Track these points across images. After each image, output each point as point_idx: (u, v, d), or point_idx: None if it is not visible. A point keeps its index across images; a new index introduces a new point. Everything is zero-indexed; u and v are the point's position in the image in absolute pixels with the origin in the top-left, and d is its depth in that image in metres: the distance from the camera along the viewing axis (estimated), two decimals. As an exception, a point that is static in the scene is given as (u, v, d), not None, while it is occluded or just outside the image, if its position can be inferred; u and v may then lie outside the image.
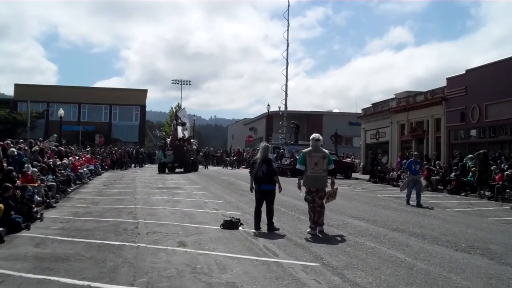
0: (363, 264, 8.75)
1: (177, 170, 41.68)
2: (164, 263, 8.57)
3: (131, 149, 53.73)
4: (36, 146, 23.95)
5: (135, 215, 14.64)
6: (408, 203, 19.52)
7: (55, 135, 39.17)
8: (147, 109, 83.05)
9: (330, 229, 12.21)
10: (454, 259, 9.39)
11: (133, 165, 50.62)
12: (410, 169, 20.21)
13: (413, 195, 19.59)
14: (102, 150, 47.42)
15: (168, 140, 46.40)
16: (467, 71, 32.65)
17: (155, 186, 25.64)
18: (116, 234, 11.47)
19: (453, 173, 27.21)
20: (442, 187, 27.63)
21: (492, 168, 24.40)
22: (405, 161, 29.22)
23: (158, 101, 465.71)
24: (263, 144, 13.18)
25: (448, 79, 34.88)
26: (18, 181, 14.95)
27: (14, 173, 15.09)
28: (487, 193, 23.53)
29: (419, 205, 18.99)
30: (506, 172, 22.46)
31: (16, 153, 19.05)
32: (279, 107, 56.52)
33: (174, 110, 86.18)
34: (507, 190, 21.51)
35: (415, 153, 23.94)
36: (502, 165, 23.99)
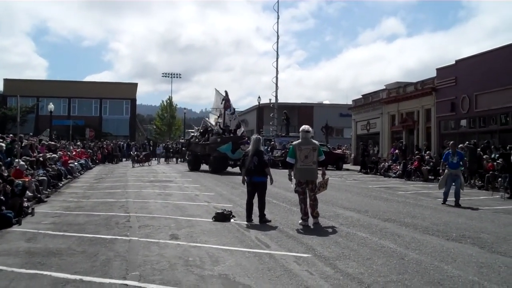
0: (355, 254, 8.78)
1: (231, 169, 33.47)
2: (156, 256, 8.57)
3: (122, 143, 53.60)
4: (25, 141, 23.85)
5: (126, 209, 14.61)
6: (444, 202, 17.04)
7: (48, 129, 39.12)
8: (138, 102, 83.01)
9: (322, 220, 12.21)
10: (445, 248, 9.44)
11: (124, 159, 50.48)
12: (447, 162, 17.62)
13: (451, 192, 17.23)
14: (92, 144, 47.25)
15: (217, 128, 35.85)
16: (457, 61, 32.72)
17: (147, 180, 25.62)
18: (108, 228, 11.45)
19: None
20: (432, 177, 27.73)
21: (484, 157, 24.49)
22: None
23: (148, 95, 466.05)
24: (254, 136, 13.20)
25: (438, 69, 34.96)
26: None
27: (3, 168, 15.03)
28: (477, 183, 23.64)
29: (457, 205, 16.55)
30: (497, 161, 22.54)
31: (4, 147, 18.98)
32: (270, 99, 56.67)
33: (165, 102, 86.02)
34: (498, 179, 21.61)
35: (452, 142, 19.67)
36: (493, 155, 24.08)
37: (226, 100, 35.41)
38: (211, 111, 40.77)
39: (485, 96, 29.16)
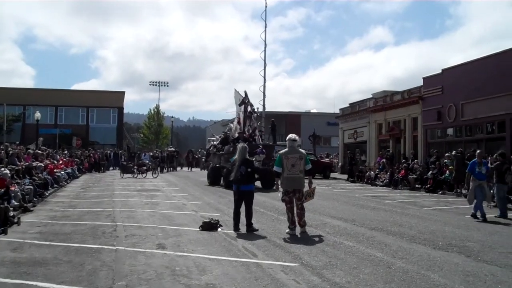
0: (342, 263, 8.79)
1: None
2: (143, 266, 8.53)
3: (109, 152, 53.39)
4: (11, 150, 23.72)
5: (113, 218, 14.55)
6: (475, 216, 15.65)
7: (41, 138, 38.97)
8: (125, 111, 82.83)
9: (309, 229, 12.21)
10: (432, 257, 9.47)
11: (111, 167, 50.27)
12: (473, 172, 16.37)
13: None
14: (79, 153, 47.01)
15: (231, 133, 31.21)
16: (444, 70, 32.96)
17: (134, 189, 25.51)
18: (95, 238, 11.39)
19: (430, 172, 27.46)
20: (419, 186, 27.86)
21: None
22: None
23: (136, 103, 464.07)
24: (240, 145, 13.18)
25: (424, 78, 35.18)
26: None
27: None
28: (464, 191, 23.72)
29: (483, 218, 15.41)
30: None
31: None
32: (258, 108, 56.49)
33: (152, 110, 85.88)
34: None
35: (478, 151, 17.89)
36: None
37: (245, 102, 30.39)
38: (232, 119, 34.51)
39: (471, 105, 29.35)
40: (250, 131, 29.67)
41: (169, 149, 56.07)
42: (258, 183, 21.88)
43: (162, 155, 50.98)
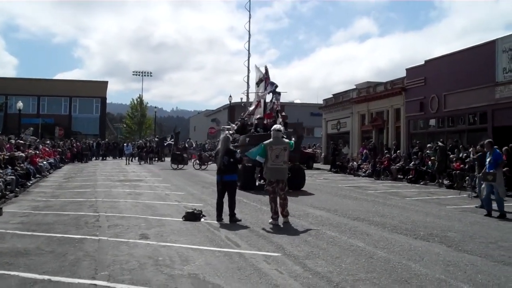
0: (324, 253, 8.85)
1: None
2: (126, 256, 8.53)
3: (92, 142, 53.11)
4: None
5: (96, 208, 14.50)
6: (489, 214, 14.43)
7: (32, 128, 38.67)
8: (108, 101, 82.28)
9: (291, 219, 12.27)
10: (413, 247, 9.56)
11: (94, 158, 50.06)
12: (484, 164, 15.14)
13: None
14: (62, 143, 46.74)
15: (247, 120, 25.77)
16: (426, 61, 33.05)
17: (116, 179, 25.45)
18: (77, 228, 11.35)
19: (412, 163, 27.65)
20: (401, 176, 28.03)
21: (451, 156, 24.85)
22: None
23: (119, 93, 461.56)
24: (222, 135, 13.18)
25: (407, 69, 35.27)
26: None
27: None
28: (445, 182, 23.95)
29: (502, 213, 14.26)
30: (466, 161, 22.83)
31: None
32: (241, 98, 56.49)
33: (135, 100, 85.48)
34: (466, 179, 21.93)
35: (488, 140, 15.73)
36: (461, 154, 24.41)
37: (264, 79, 24.51)
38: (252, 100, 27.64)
39: (453, 96, 29.50)
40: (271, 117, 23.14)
41: (155, 139, 55.04)
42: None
43: (151, 145, 49.95)
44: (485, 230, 11.97)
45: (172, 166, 36.15)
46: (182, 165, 36.40)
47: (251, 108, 25.50)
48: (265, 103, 24.13)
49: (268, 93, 23.73)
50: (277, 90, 23.52)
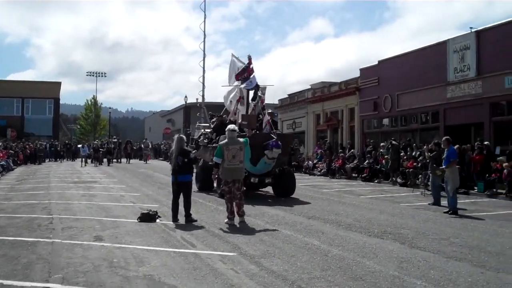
0: (280, 252, 8.89)
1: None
2: (80, 258, 8.42)
3: (45, 143, 52.14)
4: None
5: (49, 211, 14.27)
6: (448, 211, 14.60)
7: None
8: (62, 102, 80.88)
9: (247, 219, 12.29)
10: (367, 244, 9.68)
11: (47, 159, 49.18)
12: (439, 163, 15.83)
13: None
14: (14, 144, 45.81)
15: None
16: (380, 61, 33.46)
17: (70, 181, 25.08)
18: (30, 230, 11.15)
19: (366, 161, 27.99)
20: (356, 175, 28.34)
21: (401, 155, 25.23)
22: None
23: (73, 94, 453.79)
24: (176, 136, 13.10)
25: (361, 69, 35.67)
26: None
27: None
28: (399, 180, 24.30)
29: (454, 210, 14.52)
30: (419, 159, 23.19)
31: None
32: (197, 99, 56.23)
33: (89, 101, 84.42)
34: (419, 176, 22.28)
35: (444, 138, 16.00)
36: (413, 153, 24.80)
37: (243, 69, 20.47)
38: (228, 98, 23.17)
39: (406, 95, 29.93)
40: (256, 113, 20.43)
41: (113, 140, 54.07)
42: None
43: (108, 146, 47.08)
44: (437, 227, 12.19)
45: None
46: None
47: (232, 107, 21.90)
48: (248, 98, 20.76)
49: (251, 88, 20.27)
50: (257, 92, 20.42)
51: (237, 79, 20.71)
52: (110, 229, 11.28)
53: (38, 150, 46.63)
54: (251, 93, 20.51)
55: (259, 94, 20.26)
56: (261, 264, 8.02)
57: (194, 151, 14.12)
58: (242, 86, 20.29)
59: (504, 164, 19.40)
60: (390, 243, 9.87)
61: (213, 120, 22.34)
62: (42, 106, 70.62)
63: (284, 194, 18.17)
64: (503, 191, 19.02)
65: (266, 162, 16.98)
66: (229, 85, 22.59)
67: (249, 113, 20.12)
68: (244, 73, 20.27)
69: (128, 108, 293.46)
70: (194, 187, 18.77)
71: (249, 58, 20.65)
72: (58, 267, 7.81)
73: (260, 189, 19.37)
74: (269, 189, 19.27)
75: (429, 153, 18.03)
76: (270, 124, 19.02)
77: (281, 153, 17.17)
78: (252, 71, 20.11)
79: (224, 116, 21.96)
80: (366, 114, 34.23)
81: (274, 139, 17.06)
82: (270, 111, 21.14)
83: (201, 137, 22.06)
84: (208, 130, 22.06)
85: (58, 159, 50.69)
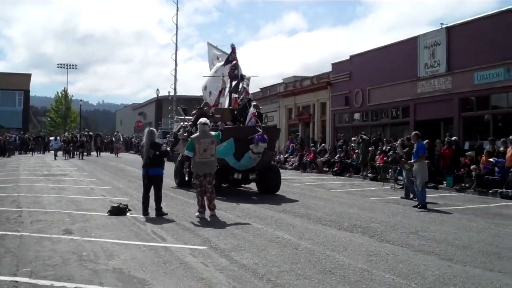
0: (250, 245, 8.91)
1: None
2: (48, 252, 8.34)
3: (14, 136, 51.44)
4: None
5: (18, 204, 14.10)
6: (418, 205, 14.65)
7: None
8: (32, 94, 79.97)
9: (218, 212, 12.30)
10: (337, 238, 9.75)
11: (17, 152, 48.55)
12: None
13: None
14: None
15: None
16: (351, 56, 33.66)
17: (40, 174, 24.80)
18: (-2, 224, 11.04)
19: (337, 155, 28.17)
20: (327, 169, 28.50)
21: (370, 149, 25.45)
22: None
23: (43, 86, 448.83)
24: (147, 129, 13.00)
25: (333, 64, 35.86)
26: None
27: None
28: (369, 174, 24.50)
29: (423, 204, 14.56)
30: (389, 153, 23.40)
31: None
32: (169, 92, 56.03)
33: (60, 93, 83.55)
34: (389, 171, 22.49)
35: (414, 132, 16.30)
36: (384, 147, 25.02)
37: (230, 62, 20.07)
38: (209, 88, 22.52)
39: (377, 90, 30.15)
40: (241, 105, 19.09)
41: (84, 133, 53.11)
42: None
43: (81, 139, 45.77)
44: (406, 220, 12.31)
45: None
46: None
47: (214, 99, 21.12)
48: (231, 90, 20.06)
49: (237, 80, 19.62)
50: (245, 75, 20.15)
51: (230, 77, 19.90)
52: (79, 223, 11.19)
53: (7, 143, 46.02)
54: (233, 84, 19.74)
55: (244, 85, 19.59)
56: (231, 257, 8.03)
57: (164, 145, 14.03)
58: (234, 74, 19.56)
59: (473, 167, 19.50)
60: (360, 237, 9.96)
61: (193, 112, 20.95)
62: (12, 98, 69.63)
63: (269, 191, 17.52)
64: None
65: (251, 157, 16.35)
66: (211, 76, 22.00)
67: (232, 105, 19.49)
68: (229, 64, 19.83)
69: (100, 100, 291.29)
70: (173, 183, 19.24)
71: (233, 48, 20.20)
72: (26, 261, 7.74)
73: (243, 186, 19.14)
74: (252, 186, 18.78)
75: (401, 148, 18.21)
76: (256, 117, 17.77)
77: (267, 148, 16.65)
78: (237, 61, 19.73)
79: (205, 108, 20.36)
80: (338, 108, 34.42)
81: (259, 133, 16.37)
82: (255, 103, 19.65)
83: (180, 130, 20.70)
84: (188, 123, 20.64)
85: (28, 152, 50.01)
